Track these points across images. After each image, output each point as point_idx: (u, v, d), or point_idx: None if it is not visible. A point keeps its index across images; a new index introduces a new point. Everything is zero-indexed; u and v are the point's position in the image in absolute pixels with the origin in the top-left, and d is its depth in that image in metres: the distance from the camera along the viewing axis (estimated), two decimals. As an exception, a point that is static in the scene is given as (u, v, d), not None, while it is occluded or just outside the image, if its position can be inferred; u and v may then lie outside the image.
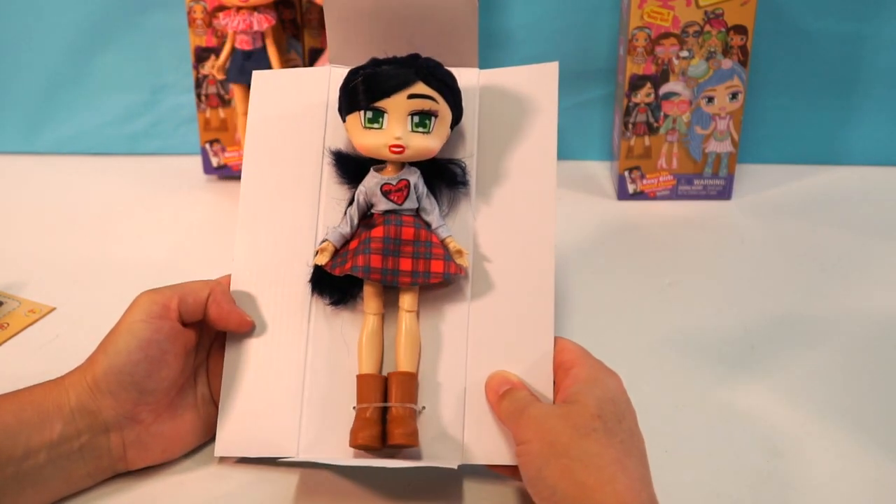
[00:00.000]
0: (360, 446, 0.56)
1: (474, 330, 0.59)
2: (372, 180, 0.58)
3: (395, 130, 0.57)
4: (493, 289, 0.59)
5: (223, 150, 0.97)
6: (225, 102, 0.95)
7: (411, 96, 0.56)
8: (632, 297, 0.78)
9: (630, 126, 0.92)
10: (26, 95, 1.03)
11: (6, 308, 0.75)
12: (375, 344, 0.58)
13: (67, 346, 0.71)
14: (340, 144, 0.61)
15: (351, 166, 0.60)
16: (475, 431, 0.57)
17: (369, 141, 0.57)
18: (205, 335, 0.60)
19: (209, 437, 0.59)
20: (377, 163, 0.59)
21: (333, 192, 0.61)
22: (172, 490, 0.56)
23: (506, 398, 0.55)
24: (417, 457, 0.56)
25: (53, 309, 0.76)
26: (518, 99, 0.63)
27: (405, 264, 0.57)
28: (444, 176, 0.60)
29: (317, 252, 0.58)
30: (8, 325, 0.73)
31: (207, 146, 0.97)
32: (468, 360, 0.58)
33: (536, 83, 0.63)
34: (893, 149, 1.01)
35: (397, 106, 0.57)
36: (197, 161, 0.99)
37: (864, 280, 0.80)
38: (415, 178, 0.58)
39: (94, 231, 0.89)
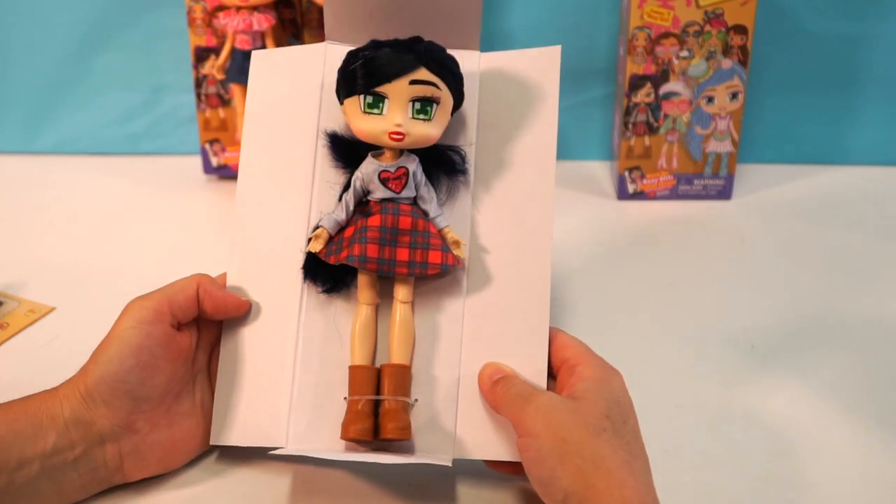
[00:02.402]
0: (351, 439, 0.55)
1: (469, 322, 0.58)
2: (370, 167, 0.57)
3: (395, 117, 0.55)
4: (489, 280, 0.58)
5: (223, 149, 0.97)
6: (225, 102, 0.95)
7: (413, 82, 0.55)
8: (632, 297, 0.78)
9: (630, 126, 0.92)
10: (26, 95, 1.03)
11: (6, 308, 0.75)
12: (368, 335, 0.57)
13: (67, 346, 0.71)
14: (336, 126, 0.60)
15: (346, 149, 0.59)
16: (468, 425, 0.56)
17: (368, 126, 0.56)
18: (203, 340, 0.59)
19: (209, 447, 0.59)
20: (374, 148, 0.58)
21: (328, 176, 0.60)
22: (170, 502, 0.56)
23: (501, 384, 0.55)
24: (410, 450, 0.56)
25: (53, 309, 0.76)
26: (519, 84, 0.61)
27: (402, 254, 0.56)
28: (442, 163, 0.59)
29: (310, 239, 0.57)
30: (8, 325, 0.73)
31: (207, 146, 0.97)
32: (462, 353, 0.58)
33: (538, 68, 0.61)
34: (893, 149, 1.01)
35: (398, 91, 0.55)
36: (197, 161, 0.99)
37: (865, 280, 0.80)
38: (413, 165, 0.57)
39: (94, 231, 0.89)
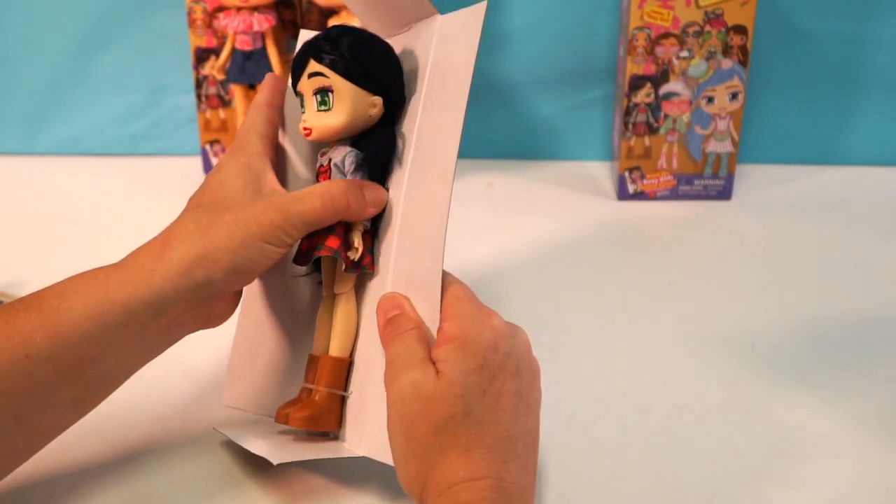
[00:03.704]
0: (279, 423, 0.57)
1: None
2: (317, 162, 0.58)
3: (307, 113, 0.56)
4: (395, 265, 0.56)
5: (223, 150, 0.97)
6: (225, 103, 0.95)
7: (309, 76, 0.55)
8: (632, 297, 0.78)
9: (630, 126, 0.92)
10: (26, 95, 1.03)
11: (6, 308, 0.75)
12: (321, 324, 0.58)
13: (68, 347, 0.70)
14: None
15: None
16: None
17: (300, 125, 0.57)
18: None
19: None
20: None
21: None
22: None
23: (391, 327, 0.52)
24: (336, 439, 0.57)
25: (54, 309, 0.75)
26: (448, 49, 0.56)
27: (321, 241, 0.56)
28: (369, 149, 0.56)
29: None
30: (8, 325, 0.73)
31: (208, 147, 0.97)
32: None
33: (461, 30, 0.55)
34: (893, 149, 1.01)
35: (305, 88, 0.56)
36: (197, 162, 0.99)
37: (864, 280, 0.80)
38: (339, 156, 0.56)
39: (95, 232, 0.89)
